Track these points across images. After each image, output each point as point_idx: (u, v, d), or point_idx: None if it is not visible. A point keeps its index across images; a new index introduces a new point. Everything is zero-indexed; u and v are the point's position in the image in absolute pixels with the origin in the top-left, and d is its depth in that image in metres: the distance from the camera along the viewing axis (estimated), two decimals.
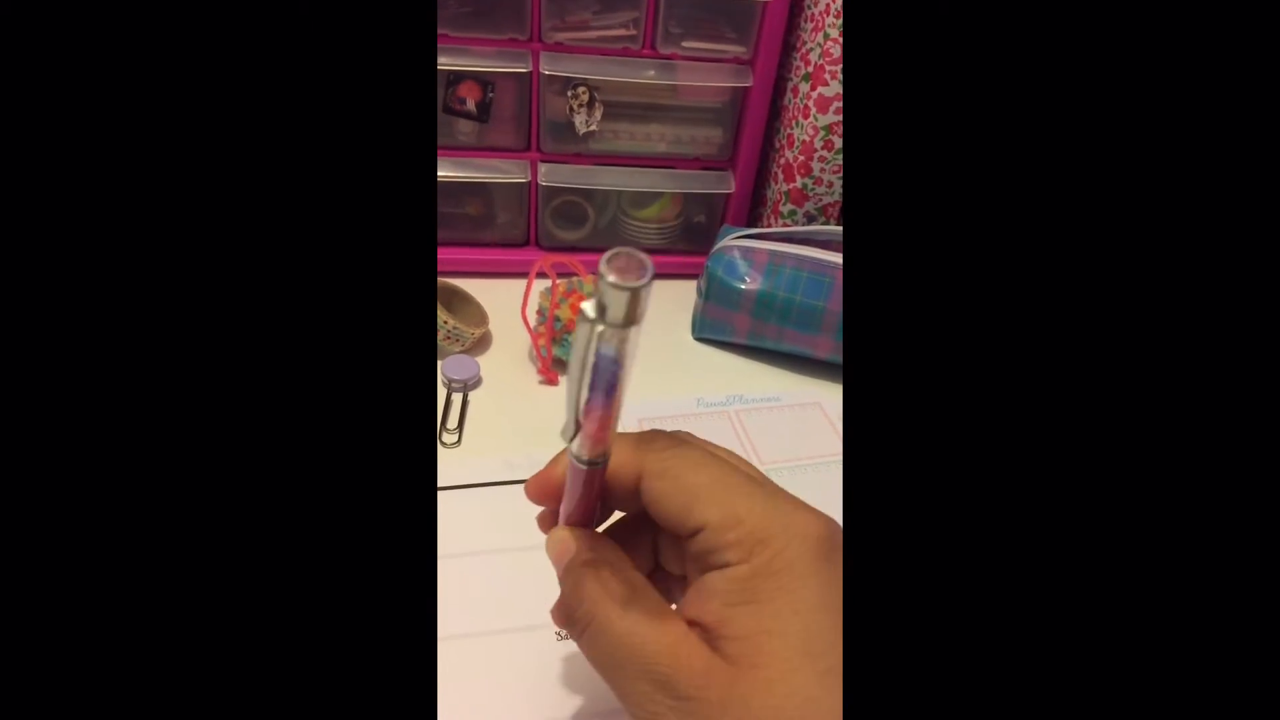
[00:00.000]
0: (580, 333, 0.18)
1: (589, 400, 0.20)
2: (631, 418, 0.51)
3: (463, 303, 0.58)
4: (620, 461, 0.23)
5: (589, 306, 0.18)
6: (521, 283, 0.56)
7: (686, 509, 0.22)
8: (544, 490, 0.25)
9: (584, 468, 0.22)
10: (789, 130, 0.64)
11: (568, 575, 0.23)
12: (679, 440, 0.24)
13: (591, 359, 0.19)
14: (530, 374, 0.55)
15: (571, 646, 0.36)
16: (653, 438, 0.24)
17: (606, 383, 0.19)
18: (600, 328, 0.18)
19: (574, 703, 0.34)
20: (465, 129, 0.62)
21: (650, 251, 0.77)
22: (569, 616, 0.22)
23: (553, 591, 0.32)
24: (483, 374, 0.54)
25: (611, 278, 0.17)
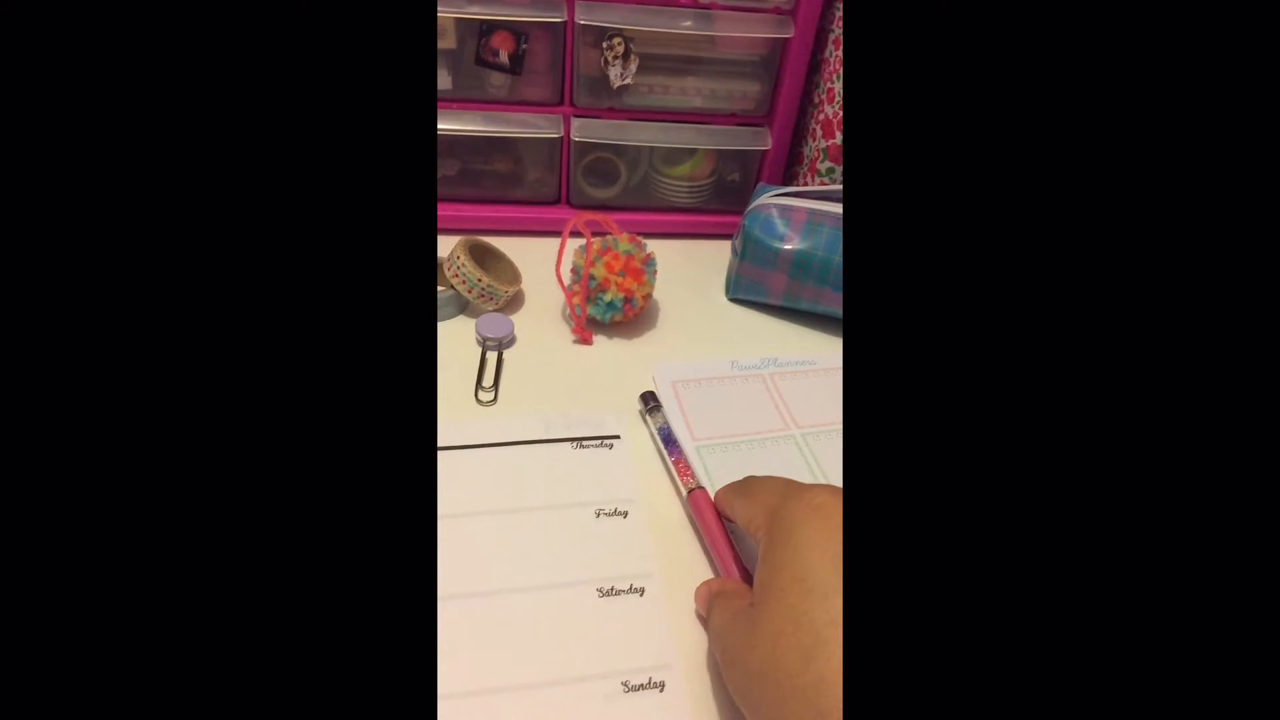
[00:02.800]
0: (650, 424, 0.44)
1: (675, 454, 0.44)
2: (666, 381, 0.51)
3: (496, 261, 0.58)
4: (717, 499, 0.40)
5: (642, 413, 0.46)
6: (553, 241, 0.55)
7: (747, 519, 0.36)
8: (706, 594, 0.38)
9: (693, 490, 0.42)
10: (829, 84, 0.62)
11: (707, 594, 0.37)
12: (739, 483, 0.39)
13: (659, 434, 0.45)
14: (564, 333, 0.55)
15: (605, 603, 0.37)
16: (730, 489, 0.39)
17: (668, 438, 0.44)
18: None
19: (606, 659, 0.35)
20: (497, 81, 0.61)
21: (682, 211, 0.74)
22: (707, 600, 0.37)
23: (585, 548, 0.33)
24: (516, 333, 0.54)
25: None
